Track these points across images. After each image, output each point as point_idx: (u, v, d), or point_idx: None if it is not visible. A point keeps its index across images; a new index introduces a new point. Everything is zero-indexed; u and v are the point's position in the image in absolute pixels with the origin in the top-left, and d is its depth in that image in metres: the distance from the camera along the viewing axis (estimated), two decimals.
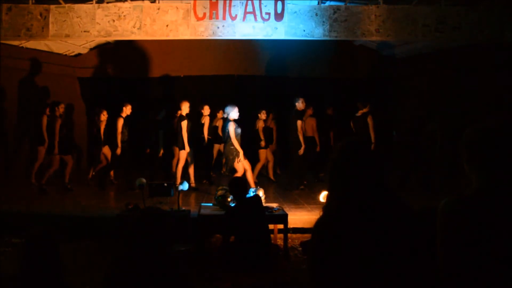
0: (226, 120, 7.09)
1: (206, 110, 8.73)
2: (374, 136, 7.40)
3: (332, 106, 9.69)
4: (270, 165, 8.93)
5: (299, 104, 7.67)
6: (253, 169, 7.46)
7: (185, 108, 7.76)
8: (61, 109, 7.88)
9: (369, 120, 7.43)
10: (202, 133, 8.70)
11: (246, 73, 11.07)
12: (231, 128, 6.84)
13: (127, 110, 8.04)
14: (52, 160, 7.78)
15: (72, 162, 8.08)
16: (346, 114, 9.04)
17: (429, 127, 7.70)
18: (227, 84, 11.07)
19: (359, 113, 7.60)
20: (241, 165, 6.81)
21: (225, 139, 7.03)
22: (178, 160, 7.76)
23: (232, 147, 6.82)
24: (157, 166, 9.15)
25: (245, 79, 11.11)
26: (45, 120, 7.77)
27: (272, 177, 8.88)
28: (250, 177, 6.92)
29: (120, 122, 7.87)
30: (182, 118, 7.74)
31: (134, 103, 10.40)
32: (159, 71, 11.19)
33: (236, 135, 6.85)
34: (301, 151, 7.57)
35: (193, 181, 7.86)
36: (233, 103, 7.15)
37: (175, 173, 7.81)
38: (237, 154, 6.81)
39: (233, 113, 6.92)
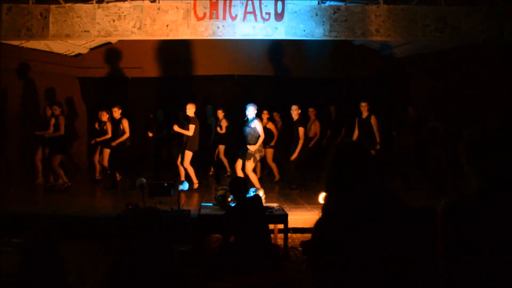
0: (247, 120, 7.02)
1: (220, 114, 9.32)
2: (379, 137, 7.39)
3: (333, 105, 9.70)
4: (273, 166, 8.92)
5: (293, 112, 7.71)
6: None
7: (190, 110, 7.76)
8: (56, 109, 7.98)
9: (373, 121, 7.42)
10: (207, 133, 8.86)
11: (246, 73, 11.08)
12: (260, 125, 6.90)
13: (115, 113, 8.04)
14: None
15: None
16: (347, 114, 9.06)
17: (430, 124, 7.70)
18: (227, 84, 11.08)
19: (364, 114, 7.58)
20: (251, 165, 6.87)
21: (254, 137, 6.92)
22: (184, 159, 7.75)
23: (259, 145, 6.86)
24: (160, 166, 9.17)
25: (245, 79, 11.11)
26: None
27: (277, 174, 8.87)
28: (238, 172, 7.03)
29: (126, 122, 7.88)
30: (193, 120, 7.74)
31: (133, 103, 10.43)
32: (159, 71, 11.20)
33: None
34: (293, 157, 7.73)
35: (196, 181, 7.87)
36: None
37: (186, 171, 7.84)
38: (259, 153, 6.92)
39: (254, 110, 6.97)
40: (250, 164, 6.84)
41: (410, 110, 7.92)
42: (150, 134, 9.06)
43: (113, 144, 7.89)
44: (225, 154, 9.53)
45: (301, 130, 7.66)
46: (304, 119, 7.95)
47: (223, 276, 3.83)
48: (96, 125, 9.04)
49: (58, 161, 7.87)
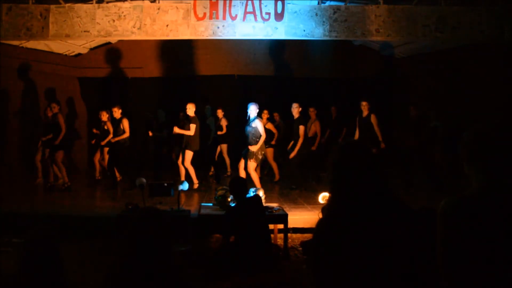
0: (249, 119, 6.98)
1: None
2: (381, 135, 7.39)
3: (334, 105, 9.71)
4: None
5: (294, 110, 7.71)
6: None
7: (190, 110, 7.77)
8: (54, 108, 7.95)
9: (373, 120, 7.43)
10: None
11: (246, 73, 11.08)
12: (261, 125, 6.87)
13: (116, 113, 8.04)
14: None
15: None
16: (347, 114, 9.06)
17: (431, 124, 7.70)
18: (227, 84, 11.09)
19: (365, 113, 7.59)
20: (253, 165, 6.88)
21: (255, 137, 6.88)
22: (184, 159, 7.75)
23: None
24: (160, 166, 9.17)
25: (245, 79, 11.12)
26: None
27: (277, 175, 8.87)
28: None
29: (127, 122, 7.89)
30: (193, 120, 7.75)
31: (133, 103, 10.40)
32: (159, 71, 11.20)
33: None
34: (292, 155, 7.73)
35: (196, 181, 7.87)
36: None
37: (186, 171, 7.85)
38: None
39: (256, 109, 6.94)
40: (252, 164, 6.85)
41: (411, 110, 7.92)
42: (150, 133, 9.07)
43: (112, 141, 7.92)
44: (227, 153, 9.56)
45: (301, 128, 7.68)
46: (304, 118, 7.97)
47: (223, 276, 3.83)
48: (94, 130, 9.07)
49: (61, 157, 7.87)
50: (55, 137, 7.82)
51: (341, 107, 9.61)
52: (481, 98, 7.63)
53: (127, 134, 7.87)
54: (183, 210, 5.35)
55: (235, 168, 7.71)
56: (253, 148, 6.82)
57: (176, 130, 7.77)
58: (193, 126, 7.68)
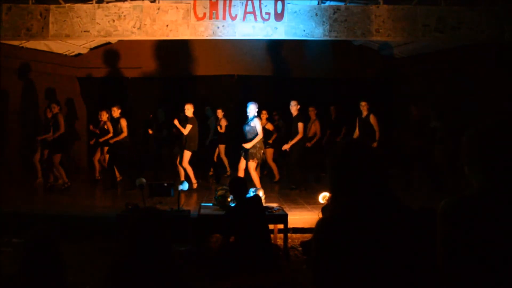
0: (247, 119, 6.95)
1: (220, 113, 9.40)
2: (378, 135, 7.41)
3: (334, 105, 9.71)
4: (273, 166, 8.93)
5: (292, 108, 7.71)
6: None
7: (189, 110, 7.77)
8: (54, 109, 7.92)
9: (373, 119, 7.44)
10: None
11: (246, 73, 11.08)
12: (259, 124, 6.85)
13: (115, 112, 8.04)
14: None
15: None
16: (347, 114, 9.06)
17: (432, 124, 7.70)
18: (227, 84, 11.09)
19: (364, 113, 7.60)
20: (254, 164, 6.87)
21: (252, 136, 6.84)
22: (182, 159, 7.75)
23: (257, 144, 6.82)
24: (159, 166, 9.19)
25: (245, 79, 11.12)
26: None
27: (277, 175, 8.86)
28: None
29: (124, 122, 7.90)
30: (191, 120, 7.75)
31: (133, 103, 10.41)
32: (159, 71, 11.20)
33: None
34: (285, 147, 7.78)
35: (195, 181, 7.87)
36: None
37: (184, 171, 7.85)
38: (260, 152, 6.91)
39: (255, 109, 6.92)
40: (252, 164, 6.84)
41: (412, 109, 7.91)
42: (151, 131, 9.08)
43: (111, 141, 7.96)
44: (225, 154, 9.56)
45: (300, 125, 7.66)
46: (303, 115, 7.96)
47: (223, 276, 3.83)
48: (91, 127, 9.07)
49: (59, 160, 7.86)
50: (53, 137, 7.81)
51: (341, 107, 9.61)
52: (481, 98, 7.62)
53: (124, 134, 7.88)
54: (183, 210, 5.35)
55: (235, 168, 7.71)
56: (246, 146, 6.76)
57: (176, 122, 7.81)
58: (188, 126, 7.69)
